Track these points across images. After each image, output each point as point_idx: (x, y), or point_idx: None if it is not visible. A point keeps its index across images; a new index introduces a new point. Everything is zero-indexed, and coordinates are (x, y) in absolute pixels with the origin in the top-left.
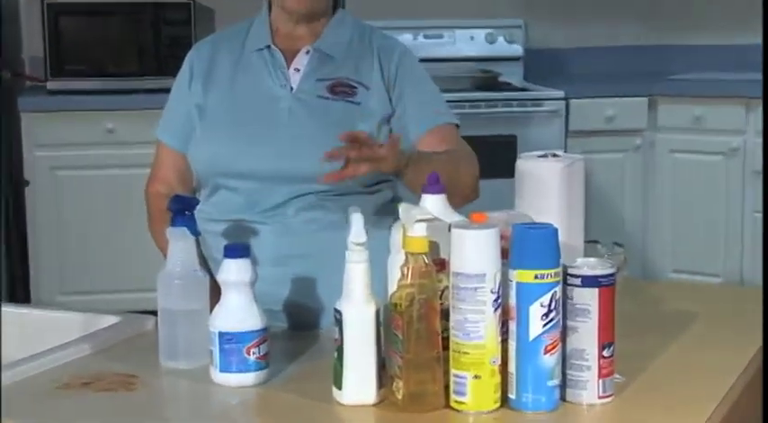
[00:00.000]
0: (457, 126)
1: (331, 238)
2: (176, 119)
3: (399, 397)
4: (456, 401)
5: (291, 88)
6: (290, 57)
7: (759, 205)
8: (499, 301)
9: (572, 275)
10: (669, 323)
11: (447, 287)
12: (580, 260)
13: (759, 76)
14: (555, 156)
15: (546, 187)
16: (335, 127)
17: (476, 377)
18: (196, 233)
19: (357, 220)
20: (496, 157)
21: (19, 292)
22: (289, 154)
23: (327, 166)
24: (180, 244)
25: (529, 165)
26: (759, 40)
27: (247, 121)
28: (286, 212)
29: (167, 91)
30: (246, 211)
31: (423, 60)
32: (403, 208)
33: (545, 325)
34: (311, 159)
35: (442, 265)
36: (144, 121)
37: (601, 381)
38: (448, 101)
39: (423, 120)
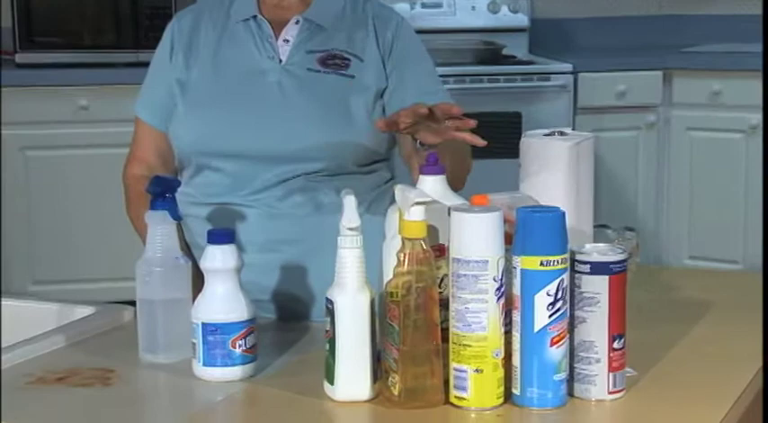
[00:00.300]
0: None
1: (322, 223)
2: (156, 95)
3: (395, 392)
4: (456, 397)
5: (280, 61)
6: (278, 27)
7: None
8: (502, 289)
9: (580, 262)
10: (684, 313)
11: (446, 275)
12: (589, 246)
13: None
14: (562, 134)
15: (552, 168)
16: (327, 102)
17: (477, 371)
18: (177, 217)
19: (350, 204)
20: (500, 136)
21: None
22: (277, 132)
23: (318, 144)
24: (160, 229)
25: (534, 143)
26: None
27: (233, 96)
28: (274, 195)
29: (146, 65)
30: (232, 193)
31: (420, 32)
32: (399, 190)
33: (551, 315)
34: (301, 137)
35: (441, 251)
36: (121, 98)
37: (611, 375)
38: (447, 75)
39: (418, 97)
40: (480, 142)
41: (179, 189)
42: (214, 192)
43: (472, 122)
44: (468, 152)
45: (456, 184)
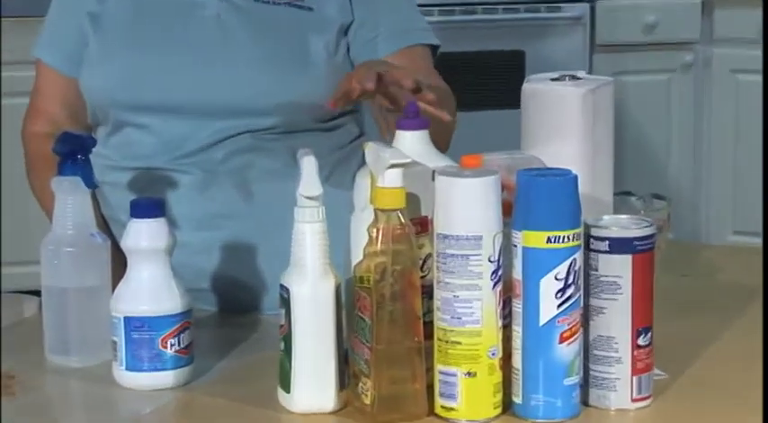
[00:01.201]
0: (434, 50)
1: (273, 192)
2: (62, 32)
3: (367, 402)
4: (443, 407)
5: None
6: None
7: None
8: (500, 272)
9: (597, 238)
10: (726, 301)
11: (430, 255)
12: (608, 217)
13: None
14: (575, 78)
15: (562, 120)
16: (279, 40)
17: (469, 374)
18: (92, 185)
19: (309, 167)
20: (497, 81)
21: None
22: (216, 78)
23: (268, 93)
24: (71, 199)
25: (540, 90)
26: None
27: (159, 33)
28: (213, 158)
29: None
30: (159, 155)
31: None
32: (371, 149)
33: (560, 305)
34: (246, 85)
35: (423, 225)
36: (19, 35)
37: (635, 378)
38: (430, 5)
39: (392, 36)
40: (445, 117)
41: (94, 149)
42: (137, 154)
43: (429, 96)
44: (451, 102)
45: (439, 142)
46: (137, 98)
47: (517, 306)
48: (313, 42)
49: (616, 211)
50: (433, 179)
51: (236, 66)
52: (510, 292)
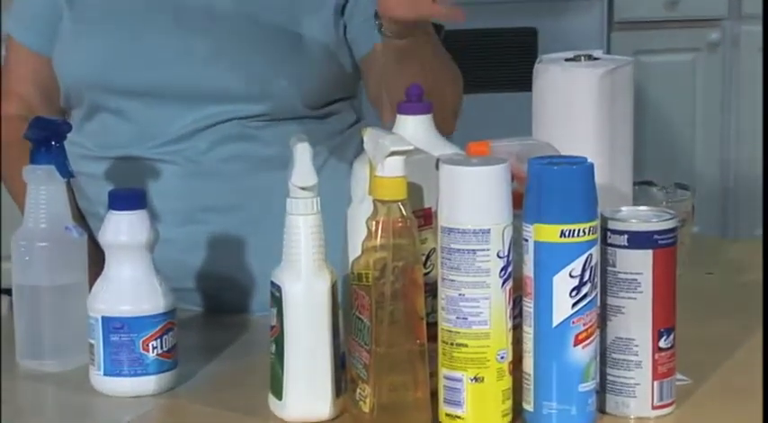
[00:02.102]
0: (439, 29)
1: (263, 182)
2: (34, 6)
3: (366, 409)
4: (448, 415)
5: None
6: None
7: None
8: (509, 269)
9: (615, 232)
10: (755, 301)
11: (434, 250)
12: (627, 209)
13: None
14: (591, 58)
15: (578, 104)
16: (270, 21)
17: (476, 380)
18: (68, 174)
19: (302, 154)
20: (508, 61)
21: None
22: (201, 59)
23: (260, 77)
24: (44, 190)
25: (553, 71)
26: None
27: (139, 10)
28: (197, 146)
29: None
30: (139, 143)
31: None
32: (370, 135)
33: (575, 304)
34: (235, 68)
35: (426, 217)
36: None
37: (656, 384)
38: None
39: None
40: (460, 17)
41: (68, 136)
42: (114, 142)
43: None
44: (458, 83)
45: (443, 125)
46: (114, 81)
47: (528, 305)
48: (306, 22)
49: (636, 202)
50: (437, 168)
51: (224, 47)
52: (520, 291)
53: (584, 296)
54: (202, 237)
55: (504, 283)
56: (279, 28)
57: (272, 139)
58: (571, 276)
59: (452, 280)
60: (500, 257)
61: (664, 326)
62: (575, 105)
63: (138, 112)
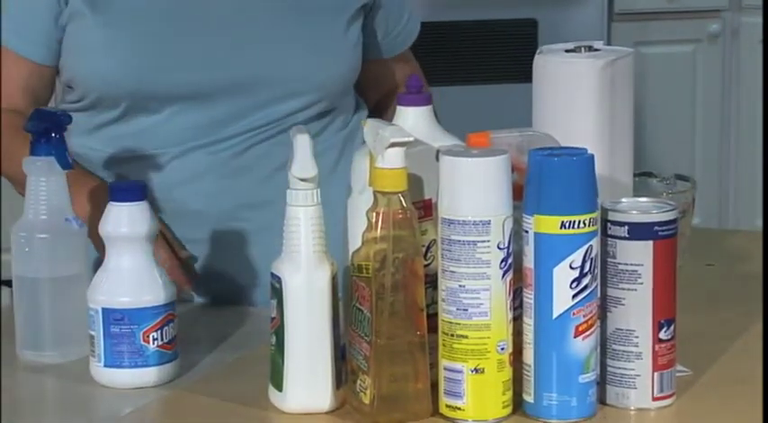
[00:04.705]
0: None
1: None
2: (27, 13)
3: (366, 401)
4: (448, 406)
5: None
6: None
7: None
8: (510, 260)
9: (615, 223)
10: (755, 291)
11: (434, 241)
12: (627, 201)
13: None
14: (591, 49)
15: (578, 95)
16: (303, 17)
17: (476, 371)
18: (67, 165)
19: (302, 145)
20: (507, 52)
21: None
22: (237, 60)
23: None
24: (44, 181)
25: (553, 62)
26: None
27: (173, 14)
28: (230, 149)
29: None
30: (177, 144)
31: None
32: (369, 126)
33: (576, 295)
34: (269, 65)
35: (426, 209)
36: None
37: (656, 375)
38: None
39: (405, 32)
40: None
41: (78, 142)
42: (144, 144)
43: None
44: None
45: None
46: (153, 84)
47: (528, 297)
48: (337, 21)
49: (636, 193)
50: (437, 159)
51: (265, 47)
52: (521, 282)
53: (585, 287)
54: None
55: (504, 274)
56: (310, 25)
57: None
58: (571, 268)
59: (453, 271)
60: (500, 249)
61: (664, 317)
62: (575, 96)
63: (178, 115)
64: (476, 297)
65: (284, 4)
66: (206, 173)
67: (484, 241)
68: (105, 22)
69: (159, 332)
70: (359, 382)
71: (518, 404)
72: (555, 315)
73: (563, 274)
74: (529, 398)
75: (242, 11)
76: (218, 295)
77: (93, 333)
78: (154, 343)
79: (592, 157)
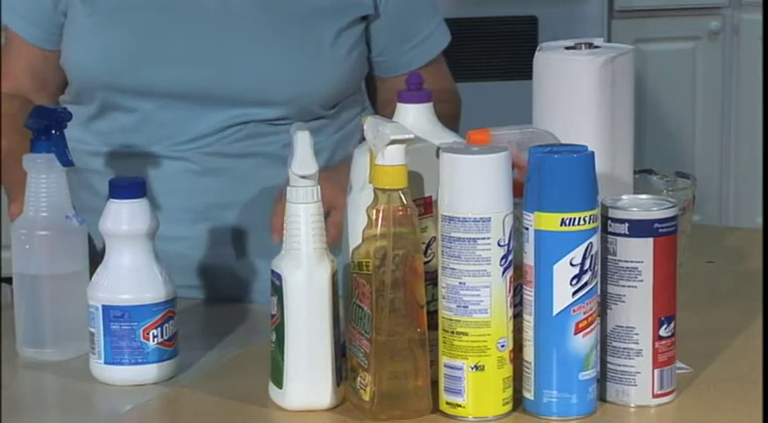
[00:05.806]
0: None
1: (269, 177)
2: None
3: (366, 398)
4: (449, 403)
5: None
6: None
7: None
8: (510, 257)
9: (615, 220)
10: (755, 289)
11: (434, 238)
12: (627, 198)
13: None
14: (592, 46)
15: (578, 92)
16: (291, 23)
17: (476, 368)
18: (68, 162)
19: (302, 143)
20: (508, 49)
21: None
22: (218, 62)
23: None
24: (44, 178)
25: (554, 59)
26: None
27: (159, 8)
28: (211, 147)
29: None
30: (152, 143)
31: None
32: (370, 123)
33: (576, 292)
34: (258, 75)
35: (426, 206)
36: None
37: (656, 372)
38: None
39: (426, 42)
40: None
41: (72, 135)
42: (125, 140)
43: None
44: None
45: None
46: (129, 80)
47: (529, 294)
48: (326, 29)
49: (636, 190)
50: (438, 156)
51: (242, 49)
52: (521, 279)
53: (585, 284)
54: (210, 234)
55: (504, 271)
56: (297, 28)
57: (287, 137)
58: (572, 265)
59: (453, 268)
60: (500, 246)
61: (664, 314)
62: (575, 94)
63: (153, 113)
64: (476, 294)
65: (272, 8)
66: (180, 171)
67: (484, 238)
68: (92, 12)
69: (159, 329)
70: (359, 379)
71: (518, 401)
72: (555, 312)
73: (563, 271)
74: (529, 395)
75: (229, 12)
76: (216, 292)
77: (93, 330)
78: (154, 340)
79: (592, 154)
